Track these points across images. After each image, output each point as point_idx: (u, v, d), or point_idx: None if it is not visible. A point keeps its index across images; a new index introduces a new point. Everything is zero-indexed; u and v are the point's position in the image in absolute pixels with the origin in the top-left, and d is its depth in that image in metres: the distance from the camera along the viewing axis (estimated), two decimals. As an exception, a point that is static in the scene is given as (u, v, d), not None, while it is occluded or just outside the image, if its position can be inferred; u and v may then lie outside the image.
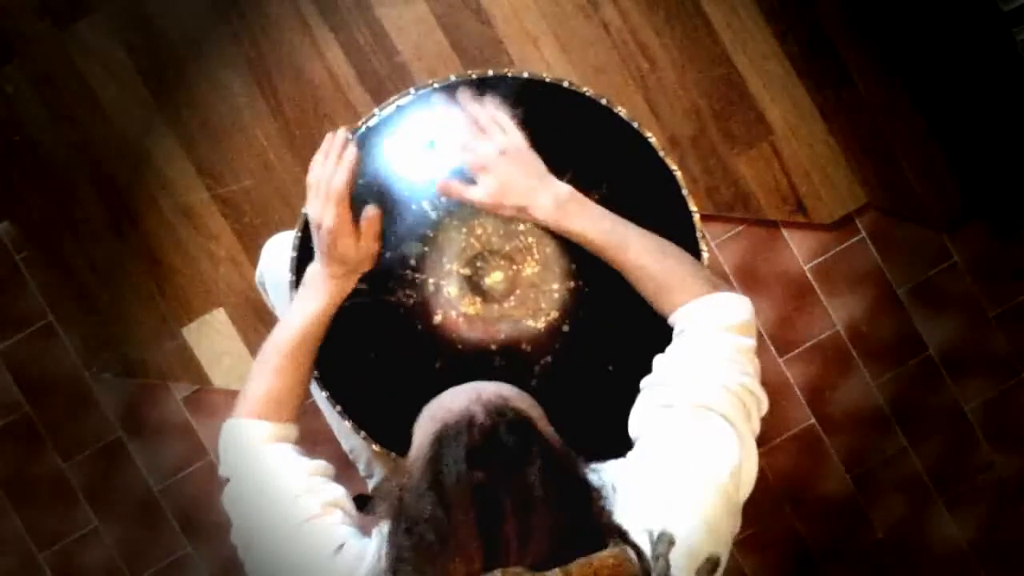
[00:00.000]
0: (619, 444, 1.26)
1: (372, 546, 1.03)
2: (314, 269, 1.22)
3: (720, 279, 1.20)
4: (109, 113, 1.89)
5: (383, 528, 1.03)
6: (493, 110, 1.22)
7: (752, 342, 1.12)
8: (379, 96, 1.88)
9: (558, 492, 0.94)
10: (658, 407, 1.09)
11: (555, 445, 1.01)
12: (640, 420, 1.11)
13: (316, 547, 1.04)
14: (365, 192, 1.25)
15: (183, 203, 1.90)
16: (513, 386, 1.07)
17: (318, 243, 1.20)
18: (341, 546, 1.04)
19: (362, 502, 1.42)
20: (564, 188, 1.20)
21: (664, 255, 1.19)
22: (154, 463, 1.93)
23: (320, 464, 1.14)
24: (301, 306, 1.21)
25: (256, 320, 1.90)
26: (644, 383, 1.13)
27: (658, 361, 1.13)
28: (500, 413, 0.98)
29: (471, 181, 1.20)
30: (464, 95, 1.23)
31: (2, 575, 1.92)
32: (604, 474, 1.02)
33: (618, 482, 1.01)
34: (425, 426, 1.02)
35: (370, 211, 1.21)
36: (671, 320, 1.17)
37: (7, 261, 1.91)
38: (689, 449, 1.04)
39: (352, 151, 1.21)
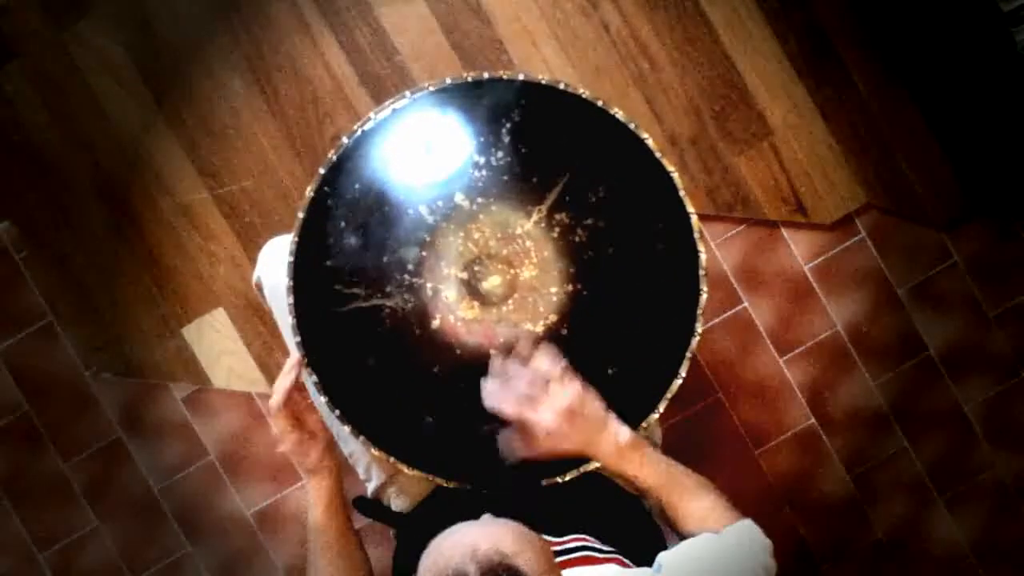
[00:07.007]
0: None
1: None
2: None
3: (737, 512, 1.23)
4: (109, 113, 1.89)
5: None
6: (547, 359, 1.22)
7: None
8: (379, 96, 1.88)
9: None
10: None
11: None
12: None
13: None
14: (363, 196, 1.25)
15: (183, 203, 1.90)
16: (524, 528, 1.03)
17: None
18: None
19: (362, 505, 1.43)
20: (625, 433, 1.22)
21: (704, 494, 1.22)
22: (154, 463, 1.93)
23: None
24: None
25: (256, 320, 1.90)
26: None
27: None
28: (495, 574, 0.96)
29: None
30: (523, 348, 1.23)
31: (2, 575, 1.92)
32: None
33: None
34: (424, 568, 1.01)
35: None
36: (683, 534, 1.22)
37: (7, 261, 1.91)
38: None
39: (292, 363, 1.25)
